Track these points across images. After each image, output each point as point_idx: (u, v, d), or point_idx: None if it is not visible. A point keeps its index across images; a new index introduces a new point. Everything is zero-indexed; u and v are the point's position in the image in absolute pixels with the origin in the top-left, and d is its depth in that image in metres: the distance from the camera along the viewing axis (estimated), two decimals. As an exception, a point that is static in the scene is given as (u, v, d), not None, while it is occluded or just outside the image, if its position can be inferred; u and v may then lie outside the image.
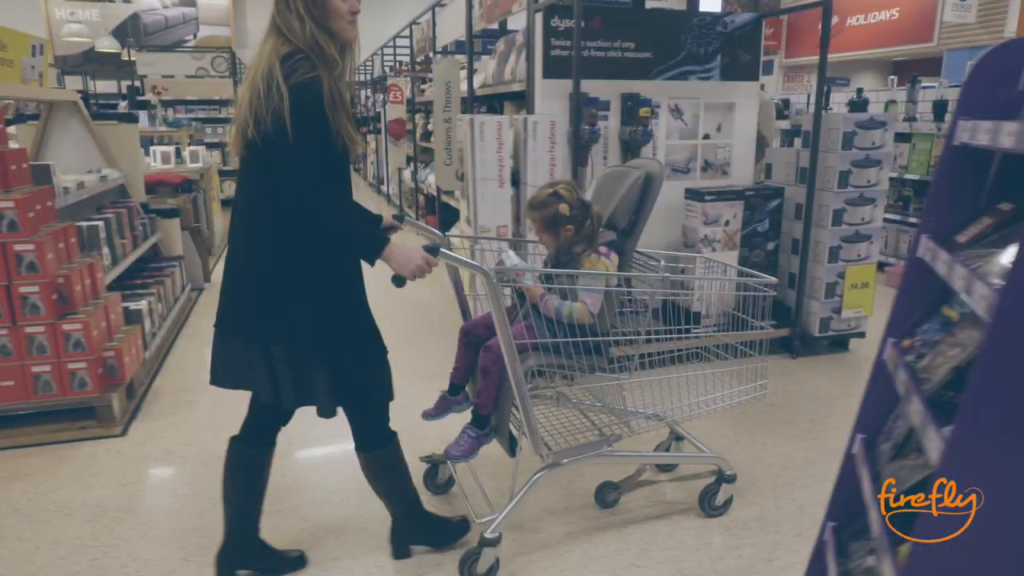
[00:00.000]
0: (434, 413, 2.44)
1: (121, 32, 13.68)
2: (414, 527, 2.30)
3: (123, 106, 9.28)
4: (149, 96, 8.87)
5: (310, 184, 1.76)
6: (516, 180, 3.52)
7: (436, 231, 2.51)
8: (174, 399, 3.55)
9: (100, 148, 4.75)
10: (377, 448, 2.14)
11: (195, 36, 14.74)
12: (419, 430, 2.60)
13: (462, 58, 5.81)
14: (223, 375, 2.02)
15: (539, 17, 3.74)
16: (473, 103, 5.16)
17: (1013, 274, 1.02)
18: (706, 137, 4.14)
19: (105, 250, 3.76)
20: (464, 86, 5.25)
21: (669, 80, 3.99)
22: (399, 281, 1.88)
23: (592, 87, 3.78)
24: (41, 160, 4.67)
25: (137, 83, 9.46)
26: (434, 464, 2.66)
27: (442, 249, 1.91)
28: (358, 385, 2.02)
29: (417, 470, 2.66)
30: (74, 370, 3.09)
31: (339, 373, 1.97)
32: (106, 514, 2.54)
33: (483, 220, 3.41)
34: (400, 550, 2.29)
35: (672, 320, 2.47)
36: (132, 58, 9.26)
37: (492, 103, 5.40)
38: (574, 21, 3.49)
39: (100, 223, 3.72)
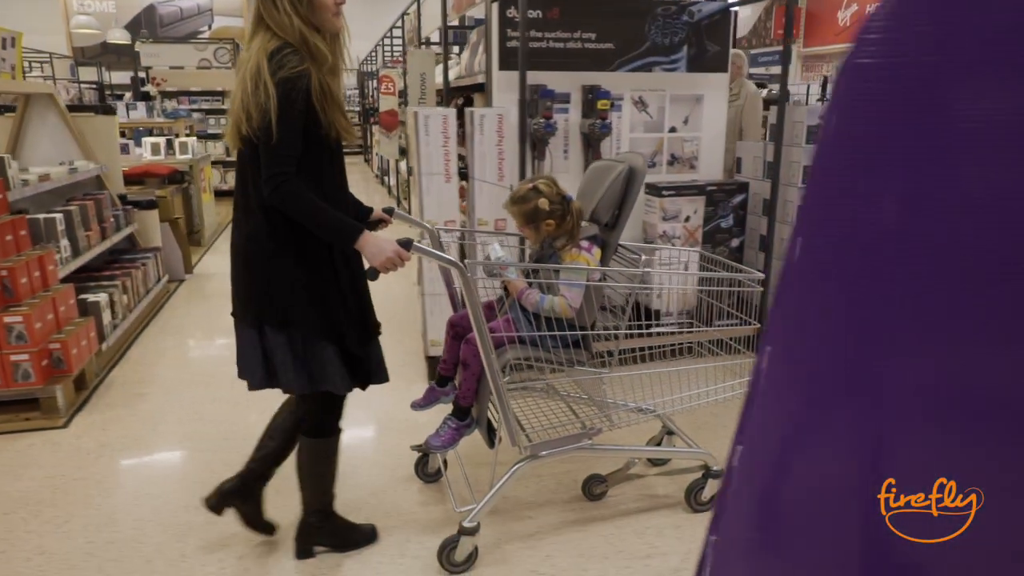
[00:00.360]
0: (422, 404, 2.51)
1: (137, 23, 13.87)
2: (321, 527, 2.28)
3: (128, 97, 9.41)
4: (148, 87, 8.96)
5: (286, 174, 1.81)
6: (465, 174, 3.46)
7: (426, 224, 2.53)
8: (126, 391, 3.57)
9: (76, 140, 4.79)
10: (323, 436, 2.17)
11: (210, 27, 14.89)
12: (410, 420, 2.69)
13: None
14: (239, 366, 2.09)
15: (495, 8, 3.66)
16: (449, 95, 5.10)
17: (776, 296, 0.94)
18: (672, 130, 4.03)
19: (64, 242, 3.78)
20: (440, 78, 5.20)
21: (633, 72, 3.88)
22: (372, 274, 1.90)
23: (552, 79, 3.70)
24: (18, 152, 4.75)
25: (142, 74, 9.56)
26: (425, 453, 2.71)
27: (415, 243, 1.93)
28: (356, 366, 2.08)
29: (408, 459, 2.79)
30: (17, 362, 3.12)
31: (339, 353, 2.03)
32: (26, 506, 2.56)
33: (429, 215, 3.36)
34: (303, 551, 2.27)
35: (653, 315, 2.48)
36: (137, 50, 9.34)
37: (470, 95, 5.33)
38: (524, 11, 3.41)
39: (58, 215, 3.75)
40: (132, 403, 3.44)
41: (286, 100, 1.78)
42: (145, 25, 13.59)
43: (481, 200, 3.42)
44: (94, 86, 12.23)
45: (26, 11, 12.88)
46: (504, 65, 3.69)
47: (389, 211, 2.32)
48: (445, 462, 2.67)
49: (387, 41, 10.52)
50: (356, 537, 2.33)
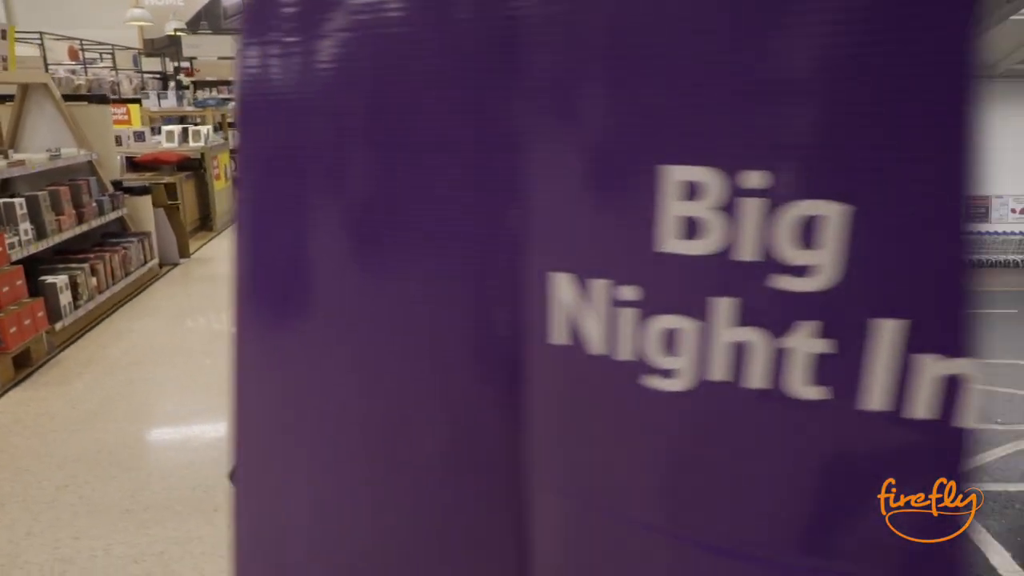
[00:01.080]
0: None
1: (199, 16, 14.45)
2: None
3: (172, 86, 9.85)
4: (181, 77, 9.34)
5: None
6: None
7: None
8: (68, 370, 3.73)
9: (71, 128, 5.03)
10: None
11: (270, 18, 15.34)
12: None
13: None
14: None
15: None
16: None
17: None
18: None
19: (25, 225, 3.96)
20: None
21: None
22: None
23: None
24: (18, 140, 5.03)
25: (185, 64, 9.98)
26: None
27: None
28: None
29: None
30: (-49, 338, 3.31)
31: None
32: (-84, 477, 2.71)
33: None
34: None
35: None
36: (182, 41, 9.76)
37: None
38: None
39: (19, 200, 3.93)
40: (68, 381, 3.58)
41: None
42: (206, 17, 14.12)
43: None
44: (158, 75, 12.89)
45: (95, 3, 13.61)
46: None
47: None
48: None
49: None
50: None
